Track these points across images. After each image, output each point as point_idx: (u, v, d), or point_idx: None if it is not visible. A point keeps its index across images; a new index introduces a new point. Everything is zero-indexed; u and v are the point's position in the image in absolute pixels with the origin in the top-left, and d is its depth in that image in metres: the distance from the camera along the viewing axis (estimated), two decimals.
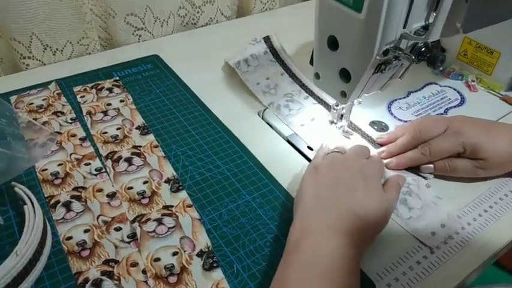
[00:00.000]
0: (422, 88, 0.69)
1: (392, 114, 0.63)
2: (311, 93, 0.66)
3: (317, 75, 0.54)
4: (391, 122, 0.61)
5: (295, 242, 0.39)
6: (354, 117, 0.60)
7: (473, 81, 0.69)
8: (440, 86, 0.69)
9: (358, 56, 0.47)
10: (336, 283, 0.36)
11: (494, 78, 0.68)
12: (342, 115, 0.58)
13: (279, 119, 0.61)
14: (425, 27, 0.47)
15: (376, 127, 0.60)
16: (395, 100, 0.66)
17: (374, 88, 0.53)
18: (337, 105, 0.57)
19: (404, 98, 0.66)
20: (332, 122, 0.59)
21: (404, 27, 0.45)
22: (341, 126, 0.59)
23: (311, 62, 0.56)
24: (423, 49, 0.48)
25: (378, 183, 0.45)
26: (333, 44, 0.49)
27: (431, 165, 0.52)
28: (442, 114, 0.63)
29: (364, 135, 0.58)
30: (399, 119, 0.62)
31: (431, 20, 0.47)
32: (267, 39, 0.73)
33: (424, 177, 0.53)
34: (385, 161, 0.54)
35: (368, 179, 0.44)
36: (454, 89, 0.69)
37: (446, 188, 0.52)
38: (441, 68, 0.71)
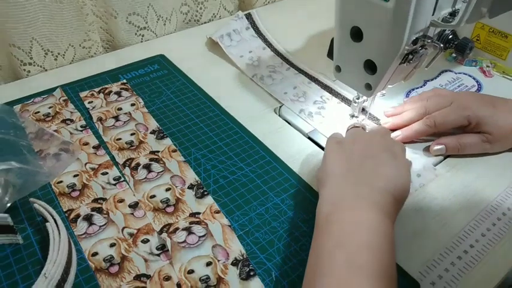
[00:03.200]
0: (437, 76, 0.67)
1: None
2: (292, 65, 0.68)
3: (338, 68, 0.52)
4: None
5: (327, 216, 0.38)
6: (372, 109, 0.59)
7: (488, 66, 0.68)
8: (456, 73, 0.68)
9: (385, 46, 0.45)
10: (376, 255, 0.34)
11: (509, 62, 0.67)
12: (363, 108, 0.57)
13: (297, 115, 0.59)
14: (452, 14, 0.45)
15: None
16: (413, 90, 0.64)
17: (398, 79, 0.51)
18: (358, 98, 0.55)
19: (421, 87, 0.65)
20: (353, 116, 0.57)
21: (432, 14, 0.44)
22: (362, 120, 0.57)
23: (329, 55, 0.54)
24: (450, 36, 0.47)
25: (406, 160, 0.45)
26: (356, 35, 0.47)
27: (443, 146, 0.52)
28: None
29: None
30: None
31: (457, 6, 0.46)
32: (248, 16, 0.75)
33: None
34: (392, 134, 0.54)
35: (397, 157, 0.43)
36: (470, 76, 0.67)
37: (476, 177, 0.51)
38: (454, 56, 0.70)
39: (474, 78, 0.67)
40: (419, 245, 0.43)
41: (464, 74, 0.68)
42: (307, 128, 0.57)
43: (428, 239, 0.44)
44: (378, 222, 0.37)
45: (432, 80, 0.66)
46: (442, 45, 0.46)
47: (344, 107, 0.60)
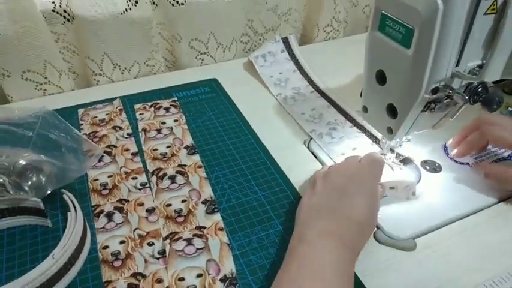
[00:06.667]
0: None
1: (448, 154, 0.59)
2: (317, 89, 0.73)
3: (365, 109, 0.53)
4: (446, 163, 0.57)
5: (290, 250, 0.41)
6: (405, 154, 0.58)
7: None
8: None
9: (405, 92, 0.45)
10: (327, 284, 0.36)
11: None
12: (391, 148, 0.56)
13: (323, 151, 0.60)
14: (482, 66, 0.44)
15: (428, 167, 0.57)
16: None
17: (425, 126, 0.50)
18: (385, 139, 0.55)
19: None
20: (382, 154, 0.57)
21: (457, 65, 0.43)
22: (390, 159, 0.56)
23: (361, 94, 0.55)
24: (480, 89, 0.45)
25: (371, 186, 0.46)
26: (381, 78, 0.48)
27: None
28: (507, 159, 0.58)
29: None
30: (455, 161, 0.58)
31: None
32: (285, 40, 0.81)
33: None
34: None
35: (362, 183, 0.45)
36: None
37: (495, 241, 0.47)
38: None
39: None
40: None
41: None
42: (331, 163, 0.58)
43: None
44: (334, 253, 0.39)
45: None
46: (467, 97, 0.45)
47: (355, 131, 0.63)
